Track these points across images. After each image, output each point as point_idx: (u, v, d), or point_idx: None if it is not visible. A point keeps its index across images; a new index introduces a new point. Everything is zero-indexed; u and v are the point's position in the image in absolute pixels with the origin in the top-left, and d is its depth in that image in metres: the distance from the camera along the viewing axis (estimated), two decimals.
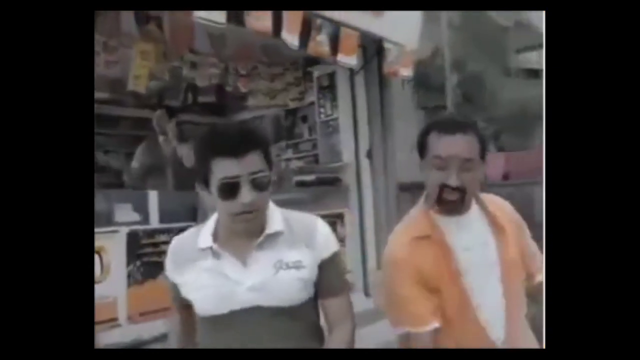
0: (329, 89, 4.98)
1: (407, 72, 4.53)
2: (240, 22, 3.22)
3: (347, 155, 4.98)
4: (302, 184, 4.81)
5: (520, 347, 1.60)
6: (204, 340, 1.63)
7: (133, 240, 3.38)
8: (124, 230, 3.35)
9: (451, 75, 5.03)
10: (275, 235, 1.56)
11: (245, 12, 3.19)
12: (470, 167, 1.56)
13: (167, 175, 4.56)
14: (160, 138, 4.46)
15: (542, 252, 1.51)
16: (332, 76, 4.85)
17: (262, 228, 1.55)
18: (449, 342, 1.63)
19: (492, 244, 1.65)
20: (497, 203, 1.75)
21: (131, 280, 3.36)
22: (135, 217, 3.46)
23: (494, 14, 6.29)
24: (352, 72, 4.61)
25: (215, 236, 1.55)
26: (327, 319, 1.67)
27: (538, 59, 7.67)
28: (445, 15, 5.19)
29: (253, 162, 1.45)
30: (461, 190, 1.56)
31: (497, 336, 1.60)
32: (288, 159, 5.79)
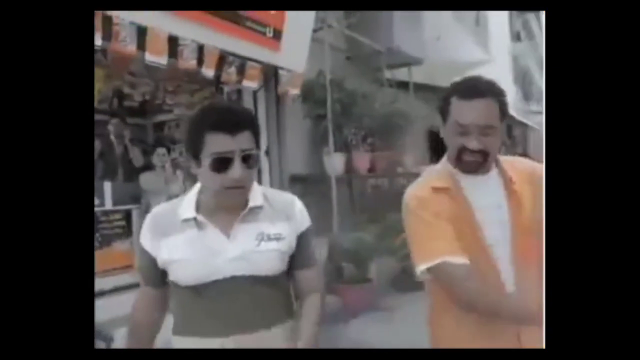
0: (236, 102, 6.21)
1: (296, 91, 5.85)
2: (175, 59, 4.43)
3: None
4: None
5: (532, 307, 1.47)
6: (179, 310, 1.61)
7: (95, 218, 4.45)
8: None
9: (332, 91, 6.37)
10: (257, 209, 1.60)
11: (179, 53, 4.41)
12: (490, 132, 1.56)
13: (118, 169, 5.56)
14: (114, 140, 5.47)
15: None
16: (239, 92, 6.05)
17: (245, 202, 1.59)
18: (472, 285, 1.55)
19: (504, 207, 1.64)
20: (521, 166, 1.71)
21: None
22: (95, 201, 4.50)
23: (368, 41, 7.79)
24: (254, 91, 5.90)
25: (198, 208, 1.57)
26: (299, 288, 1.72)
27: (406, 74, 9.31)
28: (328, 40, 6.57)
29: (245, 139, 1.49)
30: (482, 153, 1.57)
31: (511, 289, 1.60)
32: None
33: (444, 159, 1.73)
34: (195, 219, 1.55)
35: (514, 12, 21.98)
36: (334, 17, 6.87)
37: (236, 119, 1.50)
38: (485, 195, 1.65)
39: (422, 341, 1.78)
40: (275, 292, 1.63)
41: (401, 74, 9.32)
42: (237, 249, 1.55)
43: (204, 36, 4.53)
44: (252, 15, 4.98)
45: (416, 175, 1.91)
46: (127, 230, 4.67)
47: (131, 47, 3.92)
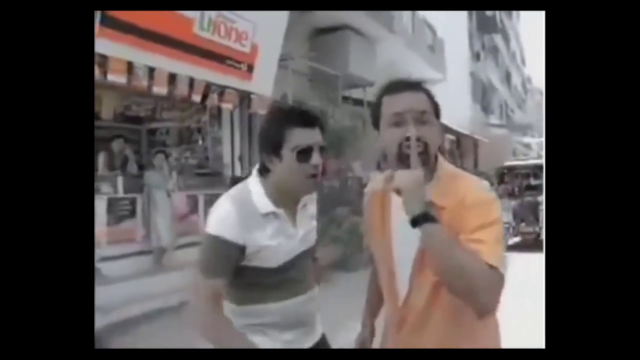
0: (217, 116, 7.88)
1: (263, 110, 7.53)
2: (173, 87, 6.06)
3: (226, 158, 7.86)
4: (199, 174, 7.71)
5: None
6: (250, 287, 1.74)
7: (110, 203, 6.07)
8: (105, 197, 6.01)
9: None
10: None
11: (176, 84, 6.02)
12: (427, 119, 1.49)
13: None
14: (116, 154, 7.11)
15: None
16: (219, 109, 7.70)
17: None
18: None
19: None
20: (460, 188, 1.50)
21: (109, 221, 6.06)
22: (111, 190, 6.14)
23: (328, 69, 9.45)
24: (231, 111, 7.58)
25: (273, 201, 1.70)
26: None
27: (362, 93, 10.99)
28: (291, 68, 8.22)
29: (318, 133, 1.67)
30: (423, 143, 1.47)
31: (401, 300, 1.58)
32: (187, 158, 8.62)
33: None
34: (275, 213, 1.71)
35: (474, 35, 23.93)
36: (296, 52, 8.54)
37: (311, 115, 1.69)
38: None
39: (357, 310, 2.03)
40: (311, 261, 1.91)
41: (358, 93, 11.00)
42: (301, 231, 1.78)
43: (194, 72, 6.19)
44: (231, 55, 6.67)
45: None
46: (132, 212, 6.29)
47: (144, 82, 5.57)
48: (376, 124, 1.59)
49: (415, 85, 1.56)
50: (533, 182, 12.96)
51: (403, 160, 1.48)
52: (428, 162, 1.51)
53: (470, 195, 1.46)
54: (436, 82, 16.51)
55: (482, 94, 25.81)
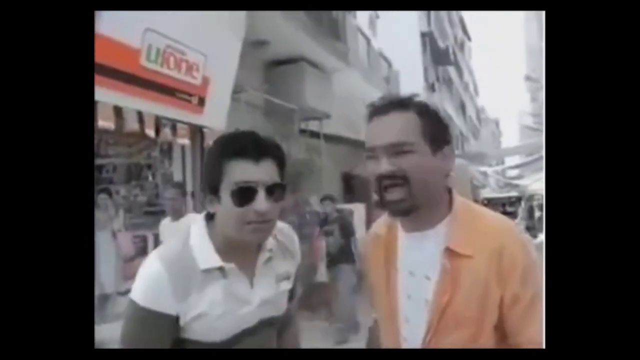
0: (167, 151, 7.56)
1: None
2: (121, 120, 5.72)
3: None
4: (148, 213, 7.32)
5: None
6: None
7: None
8: None
9: None
10: (273, 247, 1.46)
11: (124, 118, 5.70)
12: (406, 148, 1.23)
13: None
14: None
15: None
16: (170, 143, 7.39)
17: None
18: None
19: (432, 281, 1.25)
20: (492, 233, 1.25)
21: None
22: None
23: (283, 102, 9.31)
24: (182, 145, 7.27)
25: (219, 253, 1.36)
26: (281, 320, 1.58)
27: (317, 126, 10.88)
28: (244, 100, 8.01)
29: (269, 169, 1.33)
30: (402, 177, 1.21)
31: None
32: (136, 195, 8.20)
33: None
34: (222, 268, 1.36)
35: (429, 67, 24.39)
36: (250, 85, 8.35)
37: (259, 145, 1.34)
38: (416, 258, 1.31)
39: None
40: (277, 328, 1.56)
41: (314, 126, 10.89)
42: (261, 294, 1.43)
43: (141, 105, 5.88)
44: (181, 87, 6.40)
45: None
46: None
47: None
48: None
49: (404, 104, 1.29)
50: (508, 209, 18.16)
51: (385, 205, 1.27)
52: (408, 204, 1.25)
53: (510, 250, 1.24)
54: None
55: None
